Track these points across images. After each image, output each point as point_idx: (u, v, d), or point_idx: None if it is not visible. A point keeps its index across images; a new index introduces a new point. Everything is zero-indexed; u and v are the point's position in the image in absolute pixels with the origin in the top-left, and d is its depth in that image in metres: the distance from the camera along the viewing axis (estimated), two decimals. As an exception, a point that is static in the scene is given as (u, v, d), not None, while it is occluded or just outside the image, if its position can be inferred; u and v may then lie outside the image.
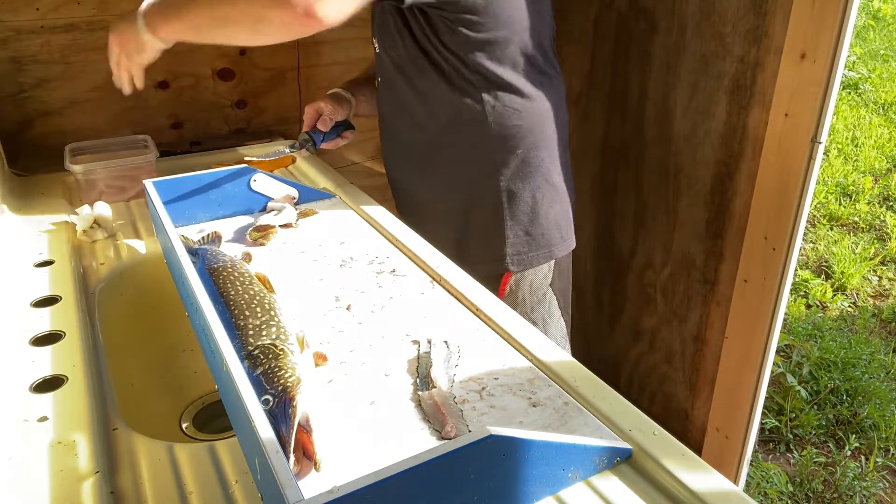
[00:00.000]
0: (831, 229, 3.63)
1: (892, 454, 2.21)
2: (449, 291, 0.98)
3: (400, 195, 1.40)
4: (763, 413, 2.24)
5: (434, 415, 0.72)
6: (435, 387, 0.75)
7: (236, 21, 0.95)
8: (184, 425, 1.08)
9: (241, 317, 0.80)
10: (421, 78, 1.19)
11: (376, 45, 1.26)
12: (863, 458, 2.20)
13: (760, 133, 1.55)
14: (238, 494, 0.66)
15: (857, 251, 3.36)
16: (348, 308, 0.93)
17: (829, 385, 2.47)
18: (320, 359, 0.82)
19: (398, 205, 1.41)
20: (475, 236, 1.29)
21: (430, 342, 0.84)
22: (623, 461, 0.68)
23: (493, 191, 1.25)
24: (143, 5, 1.06)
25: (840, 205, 3.80)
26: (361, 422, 0.72)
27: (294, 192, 1.24)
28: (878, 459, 2.17)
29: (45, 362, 0.85)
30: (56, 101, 1.65)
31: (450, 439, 0.68)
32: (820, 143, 1.43)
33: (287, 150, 1.34)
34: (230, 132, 1.90)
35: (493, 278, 1.26)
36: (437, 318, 0.91)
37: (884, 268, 3.30)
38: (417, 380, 0.77)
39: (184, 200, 1.15)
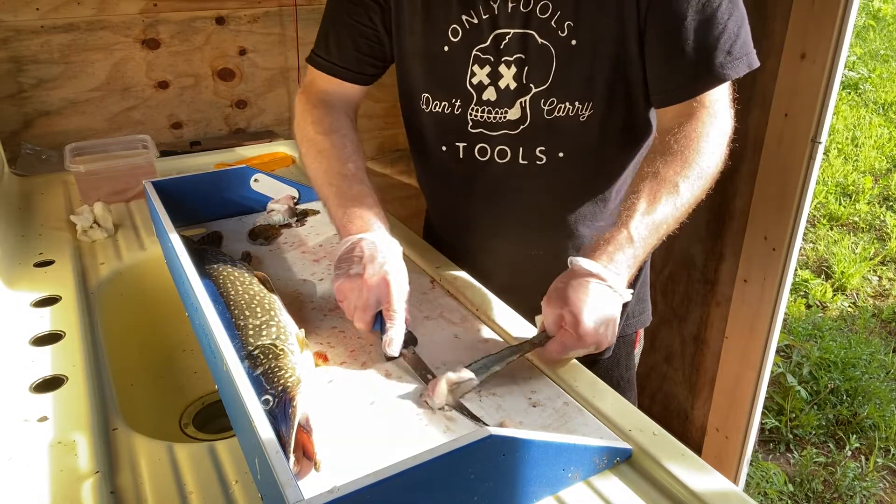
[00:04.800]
0: (831, 229, 3.63)
1: (892, 454, 2.21)
2: (448, 291, 0.99)
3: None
4: (763, 413, 2.24)
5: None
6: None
7: (689, 212, 0.88)
8: (184, 425, 1.08)
9: (241, 317, 0.80)
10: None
11: None
12: (863, 458, 2.19)
13: (760, 133, 1.55)
14: (238, 494, 0.66)
15: (857, 251, 3.36)
16: (348, 308, 0.93)
17: (829, 385, 2.47)
18: (320, 359, 0.82)
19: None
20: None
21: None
22: (623, 461, 0.68)
23: None
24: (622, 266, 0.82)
25: (840, 205, 3.80)
26: (361, 422, 0.72)
27: (294, 192, 1.24)
28: (878, 459, 2.17)
29: (45, 362, 0.85)
30: (56, 101, 1.65)
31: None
32: (820, 143, 1.43)
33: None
34: (230, 132, 1.90)
35: (626, 338, 1.19)
36: (436, 317, 0.91)
37: (884, 268, 3.30)
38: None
39: (184, 200, 1.15)
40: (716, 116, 0.90)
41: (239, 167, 1.22)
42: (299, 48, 1.89)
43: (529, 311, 0.88)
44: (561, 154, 0.99)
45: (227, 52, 1.81)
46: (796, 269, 2.83)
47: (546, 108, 0.96)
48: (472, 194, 1.07)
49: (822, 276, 3.22)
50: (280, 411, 0.64)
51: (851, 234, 3.59)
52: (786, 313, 2.02)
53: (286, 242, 1.13)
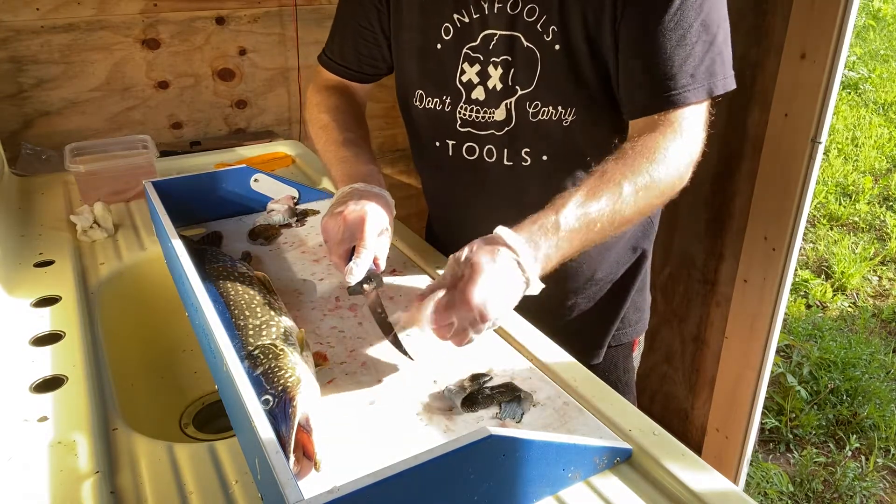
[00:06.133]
0: (831, 229, 3.63)
1: (893, 454, 2.21)
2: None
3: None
4: (763, 413, 2.24)
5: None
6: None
7: (633, 222, 0.87)
8: (184, 425, 1.08)
9: (241, 317, 0.80)
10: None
11: None
12: (863, 458, 2.20)
13: (760, 133, 1.55)
14: (238, 494, 0.66)
15: (857, 251, 3.36)
16: (349, 308, 0.93)
17: (829, 385, 2.47)
18: (320, 359, 0.82)
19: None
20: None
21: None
22: (623, 461, 0.68)
23: (638, 255, 1.14)
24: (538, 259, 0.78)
25: (840, 205, 3.80)
26: (361, 422, 0.72)
27: (294, 192, 1.24)
28: (878, 459, 2.17)
29: (45, 362, 0.85)
30: (56, 101, 1.65)
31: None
32: (820, 143, 1.43)
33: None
34: (230, 132, 1.90)
35: (623, 346, 1.19)
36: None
37: (884, 268, 3.30)
38: None
39: (184, 200, 1.15)
40: (680, 134, 0.87)
41: (239, 167, 1.22)
42: (299, 48, 1.89)
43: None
44: (545, 157, 1.00)
45: (227, 52, 1.81)
46: (796, 269, 2.83)
47: (531, 110, 0.97)
48: (464, 191, 1.09)
49: (822, 276, 3.23)
50: (280, 411, 0.64)
51: (851, 234, 3.59)
52: (786, 313, 2.02)
53: (286, 242, 1.13)
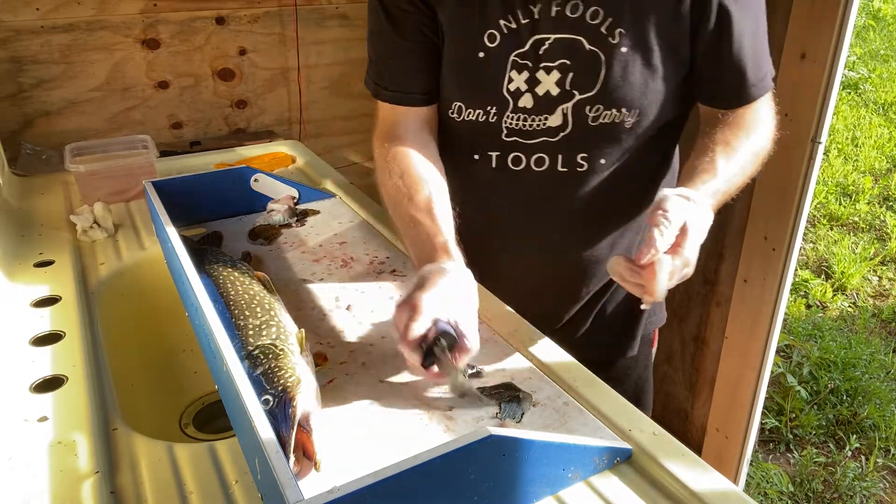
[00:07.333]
0: (831, 229, 3.63)
1: (893, 454, 2.21)
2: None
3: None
4: (763, 413, 2.24)
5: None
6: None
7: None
8: (184, 425, 1.08)
9: (241, 317, 0.80)
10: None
11: None
12: (863, 458, 2.19)
13: (760, 133, 1.54)
14: (238, 494, 0.66)
15: (857, 251, 3.36)
16: (348, 308, 0.93)
17: (829, 385, 2.47)
18: (320, 359, 0.82)
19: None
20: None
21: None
22: (623, 461, 0.68)
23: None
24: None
25: (840, 205, 3.80)
26: (361, 422, 0.72)
27: (294, 192, 1.24)
28: (878, 459, 2.17)
29: (45, 362, 0.85)
30: (56, 101, 1.65)
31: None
32: (820, 143, 1.43)
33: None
34: (230, 132, 1.90)
35: (646, 337, 1.19)
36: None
37: (884, 268, 3.30)
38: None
39: (184, 200, 1.15)
40: (771, 114, 0.99)
41: (239, 167, 1.22)
42: (299, 48, 1.89)
43: (548, 320, 0.88)
44: (602, 161, 0.98)
45: (227, 52, 1.81)
46: (796, 269, 2.83)
47: (591, 114, 0.94)
48: (504, 202, 1.05)
49: (822, 276, 3.22)
50: (280, 411, 0.64)
51: (851, 234, 3.59)
52: (786, 313, 2.02)
53: (286, 242, 1.13)
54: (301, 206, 1.24)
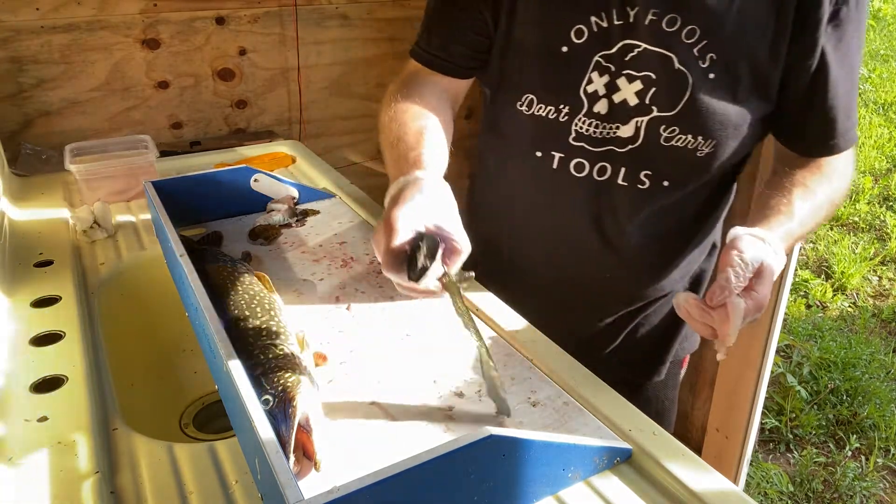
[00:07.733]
0: (831, 229, 3.63)
1: (893, 454, 2.21)
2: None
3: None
4: (763, 413, 2.24)
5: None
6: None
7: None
8: (184, 425, 1.08)
9: (241, 317, 0.80)
10: None
11: None
12: (863, 458, 2.20)
13: (760, 133, 1.54)
14: (238, 494, 0.66)
15: (857, 251, 3.37)
16: (348, 308, 0.93)
17: (829, 385, 2.47)
18: (320, 359, 0.82)
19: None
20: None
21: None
22: (623, 461, 0.68)
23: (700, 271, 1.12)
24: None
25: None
26: (361, 422, 0.72)
27: (294, 192, 1.24)
28: (878, 459, 2.17)
29: (45, 362, 0.85)
30: (56, 101, 1.65)
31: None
32: (820, 143, 1.43)
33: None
34: (230, 132, 1.90)
35: (676, 361, 1.18)
36: (437, 317, 0.91)
37: (884, 268, 3.30)
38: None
39: (184, 200, 1.15)
40: (851, 165, 0.96)
41: (239, 167, 1.21)
42: (299, 48, 1.89)
43: (575, 332, 0.89)
44: (666, 183, 0.94)
45: (227, 52, 1.81)
46: (796, 269, 2.83)
47: (665, 134, 0.90)
48: (556, 207, 1.01)
49: (822, 276, 3.23)
50: (280, 411, 0.64)
51: (851, 234, 3.59)
52: (786, 313, 2.02)
53: (286, 242, 1.13)
54: (301, 206, 1.24)
